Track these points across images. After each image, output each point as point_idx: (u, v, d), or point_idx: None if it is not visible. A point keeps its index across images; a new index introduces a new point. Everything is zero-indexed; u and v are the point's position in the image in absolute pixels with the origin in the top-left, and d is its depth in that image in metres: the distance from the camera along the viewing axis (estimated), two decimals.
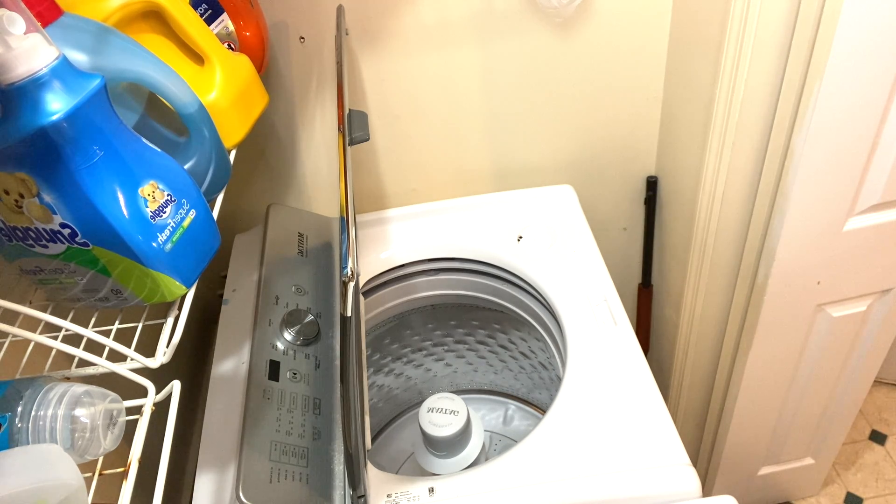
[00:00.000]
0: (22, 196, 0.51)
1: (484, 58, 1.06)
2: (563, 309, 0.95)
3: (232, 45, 0.83)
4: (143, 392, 0.57)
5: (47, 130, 0.47)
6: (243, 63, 0.77)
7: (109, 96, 0.51)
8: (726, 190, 1.02)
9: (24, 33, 0.44)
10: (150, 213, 0.53)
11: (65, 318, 0.54)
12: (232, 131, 0.74)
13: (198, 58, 0.72)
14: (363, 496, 0.74)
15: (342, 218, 0.66)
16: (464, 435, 1.00)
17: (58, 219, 0.51)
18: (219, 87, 0.72)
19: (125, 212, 0.52)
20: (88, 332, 0.52)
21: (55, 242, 0.53)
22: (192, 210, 0.58)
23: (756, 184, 1.00)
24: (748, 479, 1.42)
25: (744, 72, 0.89)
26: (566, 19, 1.02)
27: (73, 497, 0.44)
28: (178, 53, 0.71)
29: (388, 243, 1.11)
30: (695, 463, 0.79)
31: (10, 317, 0.53)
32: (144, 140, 0.55)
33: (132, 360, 0.55)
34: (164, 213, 0.55)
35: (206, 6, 0.79)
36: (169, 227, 0.55)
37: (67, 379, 0.55)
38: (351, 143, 0.76)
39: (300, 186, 1.19)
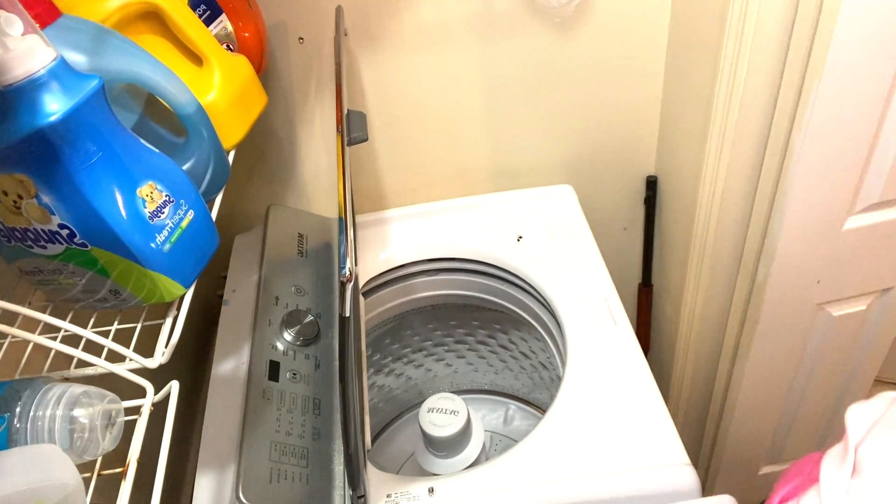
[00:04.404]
0: (20, 197, 0.51)
1: (483, 58, 1.06)
2: (563, 309, 0.95)
3: (231, 46, 0.83)
4: (141, 392, 0.57)
5: (45, 131, 0.47)
6: (242, 64, 0.77)
7: (108, 97, 0.51)
8: (726, 189, 1.02)
9: (22, 34, 0.44)
10: (149, 214, 0.54)
11: (64, 318, 0.54)
12: (231, 132, 0.74)
13: (196, 59, 0.72)
14: (363, 496, 0.74)
15: (340, 219, 0.66)
16: (464, 435, 1.00)
17: (56, 220, 0.51)
18: (217, 87, 0.72)
19: (123, 212, 0.52)
20: (87, 333, 0.53)
21: (54, 243, 0.53)
22: (191, 210, 0.58)
23: (756, 183, 1.00)
24: (749, 478, 1.42)
25: (743, 71, 0.89)
26: (565, 19, 1.02)
27: (71, 497, 0.45)
28: (176, 54, 0.71)
29: (388, 243, 1.11)
30: (695, 463, 0.79)
31: (9, 317, 0.53)
32: (143, 141, 0.55)
33: (131, 360, 0.55)
34: (163, 213, 0.55)
35: (204, 7, 0.79)
36: (167, 228, 0.55)
37: (66, 379, 0.55)
38: (349, 144, 0.77)
39: (300, 186, 1.19)
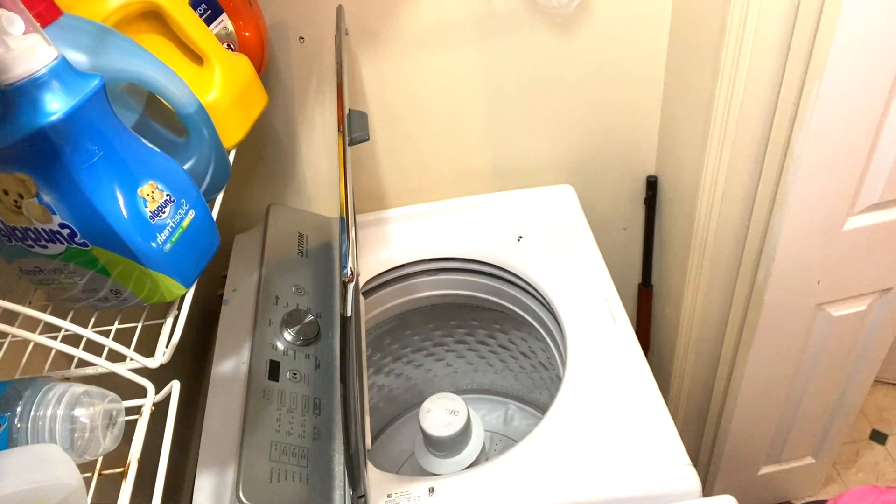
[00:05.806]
0: (21, 196, 0.51)
1: (484, 57, 1.06)
2: (563, 309, 0.95)
3: (231, 46, 0.83)
4: (142, 392, 0.57)
5: (46, 131, 0.47)
6: (243, 63, 0.77)
7: (108, 96, 0.51)
8: (726, 189, 1.02)
9: (23, 33, 0.44)
10: (150, 214, 0.53)
11: (64, 318, 0.54)
12: (231, 131, 0.74)
13: (197, 58, 0.72)
14: (363, 496, 0.74)
15: (342, 218, 0.66)
16: (464, 435, 1.00)
17: (57, 219, 0.51)
18: (218, 87, 0.72)
19: (124, 212, 0.52)
20: (88, 333, 0.52)
21: (54, 243, 0.53)
22: (192, 210, 0.58)
23: (756, 183, 1.00)
24: (749, 478, 1.42)
25: (743, 71, 0.89)
26: (566, 19, 1.02)
27: (72, 497, 0.44)
28: (177, 54, 0.71)
29: (388, 243, 1.11)
30: (695, 463, 0.79)
31: (9, 317, 0.53)
32: (144, 140, 0.55)
33: (132, 360, 0.55)
34: (164, 213, 0.55)
35: (205, 6, 0.79)
36: (168, 228, 0.55)
37: (67, 379, 0.55)
38: (351, 143, 0.76)
39: (300, 186, 1.19)
